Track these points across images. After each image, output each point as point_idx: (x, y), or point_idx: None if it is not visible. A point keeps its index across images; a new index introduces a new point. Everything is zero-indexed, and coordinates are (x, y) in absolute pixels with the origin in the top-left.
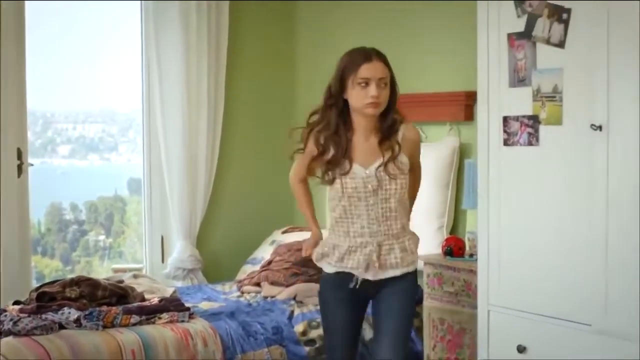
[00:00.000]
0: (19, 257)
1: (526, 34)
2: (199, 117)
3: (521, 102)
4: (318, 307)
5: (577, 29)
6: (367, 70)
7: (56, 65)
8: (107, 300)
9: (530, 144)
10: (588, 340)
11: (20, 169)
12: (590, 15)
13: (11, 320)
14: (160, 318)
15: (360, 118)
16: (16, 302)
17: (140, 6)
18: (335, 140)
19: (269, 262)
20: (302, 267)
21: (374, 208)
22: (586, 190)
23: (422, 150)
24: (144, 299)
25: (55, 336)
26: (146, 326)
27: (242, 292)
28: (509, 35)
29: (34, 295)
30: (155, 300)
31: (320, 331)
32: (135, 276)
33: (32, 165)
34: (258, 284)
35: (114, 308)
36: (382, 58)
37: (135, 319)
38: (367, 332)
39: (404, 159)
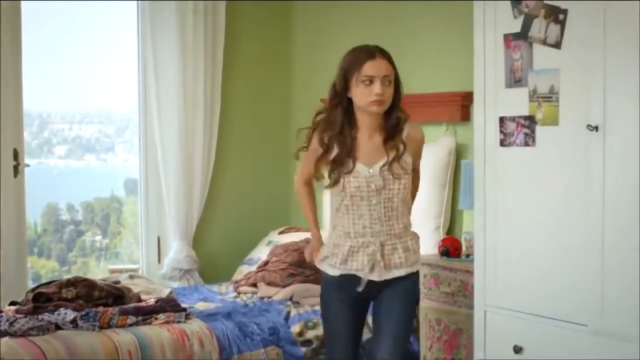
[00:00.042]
0: (16, 258)
1: (523, 35)
2: (196, 117)
3: (517, 103)
4: (315, 308)
5: (573, 29)
6: (371, 67)
7: (52, 66)
8: (103, 301)
9: (526, 144)
10: (584, 341)
11: (16, 170)
12: (587, 16)
13: (7, 320)
14: (156, 319)
15: (364, 116)
16: (12, 303)
17: (137, 6)
18: (340, 140)
19: (266, 263)
20: (299, 267)
21: (376, 208)
22: (582, 190)
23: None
24: (140, 300)
25: (51, 337)
26: (142, 327)
27: (239, 293)
28: (506, 36)
29: (30, 295)
30: (151, 300)
31: (316, 332)
32: (131, 277)
33: (28, 165)
34: (254, 285)
35: (110, 309)
36: (386, 55)
37: (131, 319)
38: (365, 333)
39: (407, 158)
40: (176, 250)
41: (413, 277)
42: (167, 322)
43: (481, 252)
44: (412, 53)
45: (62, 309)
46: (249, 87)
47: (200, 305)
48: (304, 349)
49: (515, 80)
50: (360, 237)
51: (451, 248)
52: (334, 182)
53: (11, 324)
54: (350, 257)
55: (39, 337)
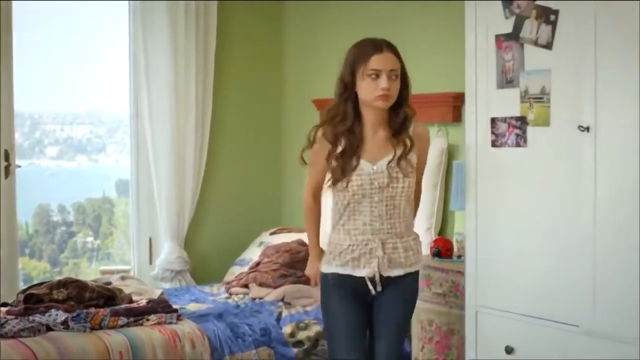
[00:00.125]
0: (7, 259)
1: (514, 36)
2: (187, 118)
3: (509, 104)
4: (306, 309)
5: (564, 30)
6: (378, 61)
7: (44, 67)
8: (94, 302)
9: (518, 145)
10: (576, 341)
11: (7, 171)
12: (578, 16)
13: None
14: (148, 320)
15: (369, 111)
16: (3, 304)
17: (128, 6)
18: (349, 137)
19: (257, 264)
20: (290, 268)
21: (378, 205)
22: (574, 191)
23: None
24: (131, 301)
25: (42, 338)
26: (134, 328)
27: (230, 294)
28: (497, 37)
29: (22, 297)
30: (143, 301)
31: (308, 332)
32: (123, 278)
33: (19, 166)
34: (246, 286)
35: (101, 310)
36: (392, 49)
37: (122, 320)
38: None
39: (413, 157)
40: (168, 251)
41: (413, 277)
42: (158, 323)
43: (472, 253)
44: (404, 54)
45: (53, 310)
46: (241, 88)
47: (192, 306)
48: (295, 350)
49: (506, 81)
50: (360, 235)
51: (443, 249)
52: (337, 180)
53: (2, 325)
54: (351, 256)
55: (30, 339)
